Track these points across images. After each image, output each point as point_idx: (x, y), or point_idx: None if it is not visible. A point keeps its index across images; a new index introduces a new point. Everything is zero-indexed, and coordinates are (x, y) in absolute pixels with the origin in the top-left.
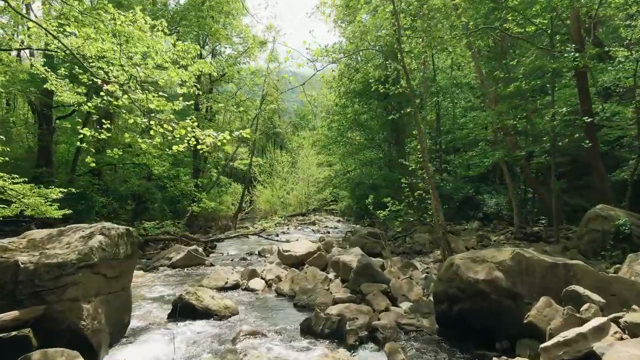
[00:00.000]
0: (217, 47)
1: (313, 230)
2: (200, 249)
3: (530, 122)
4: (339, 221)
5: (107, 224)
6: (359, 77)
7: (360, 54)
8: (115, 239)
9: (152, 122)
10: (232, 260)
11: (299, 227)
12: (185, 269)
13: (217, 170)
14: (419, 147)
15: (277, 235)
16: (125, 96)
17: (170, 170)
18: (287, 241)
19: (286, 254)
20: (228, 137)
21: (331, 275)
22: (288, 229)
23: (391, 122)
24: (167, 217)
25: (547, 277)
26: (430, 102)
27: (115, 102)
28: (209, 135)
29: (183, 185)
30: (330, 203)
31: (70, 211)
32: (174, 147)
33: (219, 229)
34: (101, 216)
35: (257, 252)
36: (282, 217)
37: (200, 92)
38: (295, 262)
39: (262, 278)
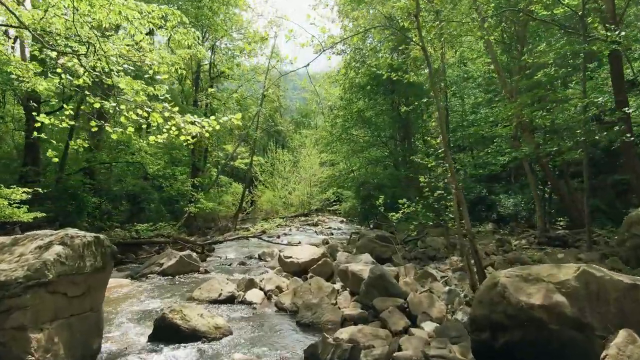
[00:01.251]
0: (217, 44)
1: (316, 232)
2: (194, 255)
3: (553, 115)
4: (342, 222)
5: (72, 231)
6: (365, 70)
7: (369, 41)
8: (80, 250)
9: (122, 107)
10: (230, 264)
11: (301, 229)
12: (177, 277)
13: (217, 169)
14: (438, 140)
15: (279, 236)
16: (87, 74)
17: (165, 169)
18: (289, 243)
19: (288, 260)
20: (216, 126)
21: (338, 285)
22: (290, 230)
23: (398, 118)
24: (165, 218)
25: (624, 303)
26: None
27: (76, 81)
28: (193, 123)
29: (180, 185)
30: (333, 203)
31: (43, 214)
32: (151, 138)
33: (218, 230)
34: (93, 217)
35: (257, 256)
36: (283, 219)
37: (183, 69)
38: (298, 270)
39: (260, 289)
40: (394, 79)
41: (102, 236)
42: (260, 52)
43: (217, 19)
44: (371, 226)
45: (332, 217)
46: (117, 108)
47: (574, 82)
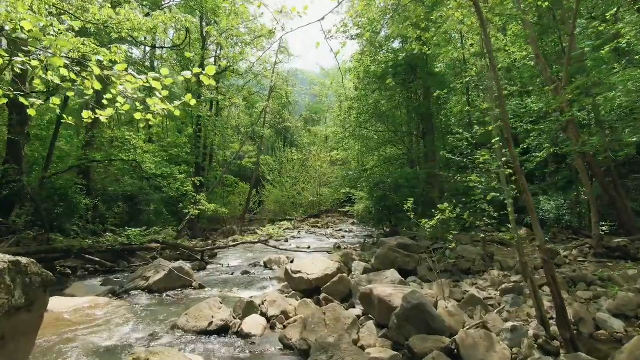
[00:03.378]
0: (222, 36)
1: (326, 235)
2: (187, 266)
3: (620, 100)
4: (353, 224)
5: None
6: (383, 57)
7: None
8: None
9: (34, 63)
10: (232, 274)
11: (310, 231)
12: (165, 294)
13: (222, 168)
14: (490, 127)
15: (287, 240)
16: None
17: (163, 167)
18: (298, 248)
19: (296, 276)
20: (186, 105)
21: (358, 310)
22: (299, 232)
23: (419, 111)
24: (167, 220)
25: None
26: (460, 88)
27: None
28: (147, 91)
29: (179, 185)
30: (344, 204)
31: None
32: (85, 114)
33: (222, 233)
34: (85, 220)
35: (262, 263)
36: (291, 221)
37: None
38: (308, 289)
39: (262, 314)
40: (415, 66)
41: (25, 260)
42: (268, 45)
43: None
44: (386, 229)
45: (342, 219)
46: (27, 62)
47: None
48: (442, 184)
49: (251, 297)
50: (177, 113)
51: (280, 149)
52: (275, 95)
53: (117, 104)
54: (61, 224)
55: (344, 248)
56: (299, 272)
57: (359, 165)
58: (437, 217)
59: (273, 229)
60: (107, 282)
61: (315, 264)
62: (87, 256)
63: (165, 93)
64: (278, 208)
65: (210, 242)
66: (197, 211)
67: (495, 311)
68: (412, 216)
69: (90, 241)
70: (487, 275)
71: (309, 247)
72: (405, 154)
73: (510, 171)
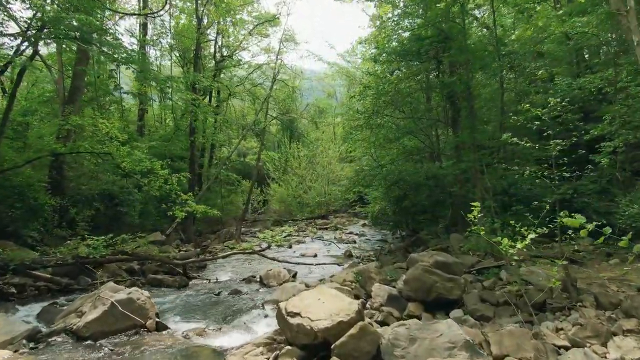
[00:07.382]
0: (221, 22)
1: (335, 239)
2: (143, 295)
3: None
4: (364, 225)
5: None
6: (407, 28)
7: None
8: None
9: None
10: (218, 294)
11: (317, 235)
12: (100, 343)
13: (221, 165)
14: None
15: (291, 246)
16: None
17: (141, 162)
18: (302, 256)
19: (293, 321)
20: None
21: None
22: (305, 236)
23: (449, 87)
24: (157, 223)
25: None
26: (493, 69)
27: None
28: None
29: (161, 183)
30: (354, 204)
31: None
32: None
33: (218, 237)
34: (52, 224)
35: (258, 278)
36: (295, 226)
37: None
38: (311, 344)
39: None
40: (447, 37)
41: None
42: (273, 33)
43: None
44: (403, 233)
45: (353, 220)
46: None
47: None
48: (483, 182)
49: (224, 350)
50: None
51: (286, 145)
52: (281, 86)
53: None
54: (17, 229)
55: (357, 257)
56: (298, 314)
57: (373, 160)
58: (530, 236)
59: (272, 236)
60: (47, 311)
61: (322, 301)
62: (33, 272)
63: None
64: (283, 208)
65: (199, 249)
66: (183, 213)
67: None
68: (482, 231)
69: (38, 253)
70: (578, 314)
71: (315, 256)
72: (428, 146)
73: None
